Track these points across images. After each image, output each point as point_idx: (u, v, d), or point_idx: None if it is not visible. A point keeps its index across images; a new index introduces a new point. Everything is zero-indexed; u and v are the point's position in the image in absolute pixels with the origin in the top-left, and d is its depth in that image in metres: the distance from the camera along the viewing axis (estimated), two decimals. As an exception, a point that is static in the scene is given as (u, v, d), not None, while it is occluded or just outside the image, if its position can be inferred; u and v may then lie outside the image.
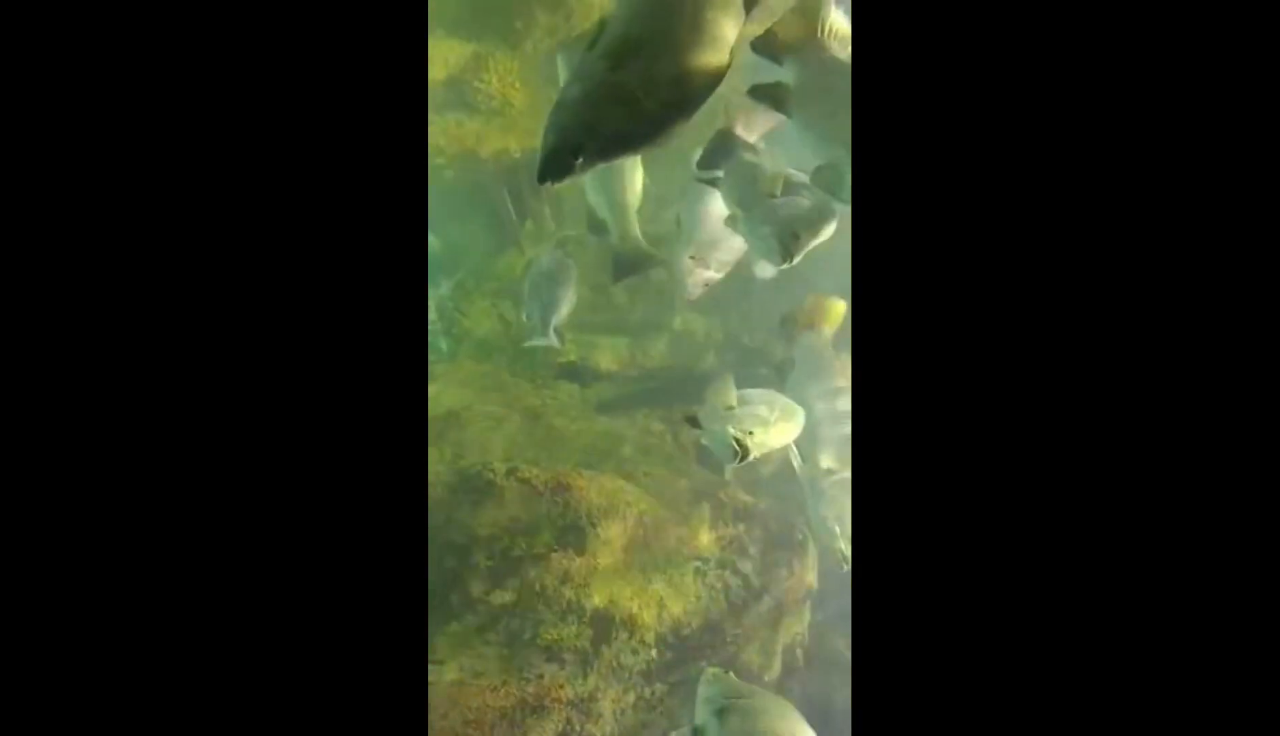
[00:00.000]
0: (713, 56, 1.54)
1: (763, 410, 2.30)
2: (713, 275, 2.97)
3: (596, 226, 2.82)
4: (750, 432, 2.22)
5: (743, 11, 1.61)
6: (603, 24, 1.62)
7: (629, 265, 2.88)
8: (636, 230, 2.81)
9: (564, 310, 2.80)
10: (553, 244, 3.21)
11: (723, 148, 2.31)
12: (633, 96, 1.48)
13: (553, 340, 2.78)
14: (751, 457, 2.24)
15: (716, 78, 1.56)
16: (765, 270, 3.00)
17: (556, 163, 1.44)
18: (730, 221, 2.31)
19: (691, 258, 2.92)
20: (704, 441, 2.48)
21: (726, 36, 1.58)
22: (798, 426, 2.46)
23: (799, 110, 1.98)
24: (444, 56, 3.91)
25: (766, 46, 2.01)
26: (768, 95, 1.98)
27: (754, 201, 2.07)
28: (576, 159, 1.45)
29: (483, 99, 3.97)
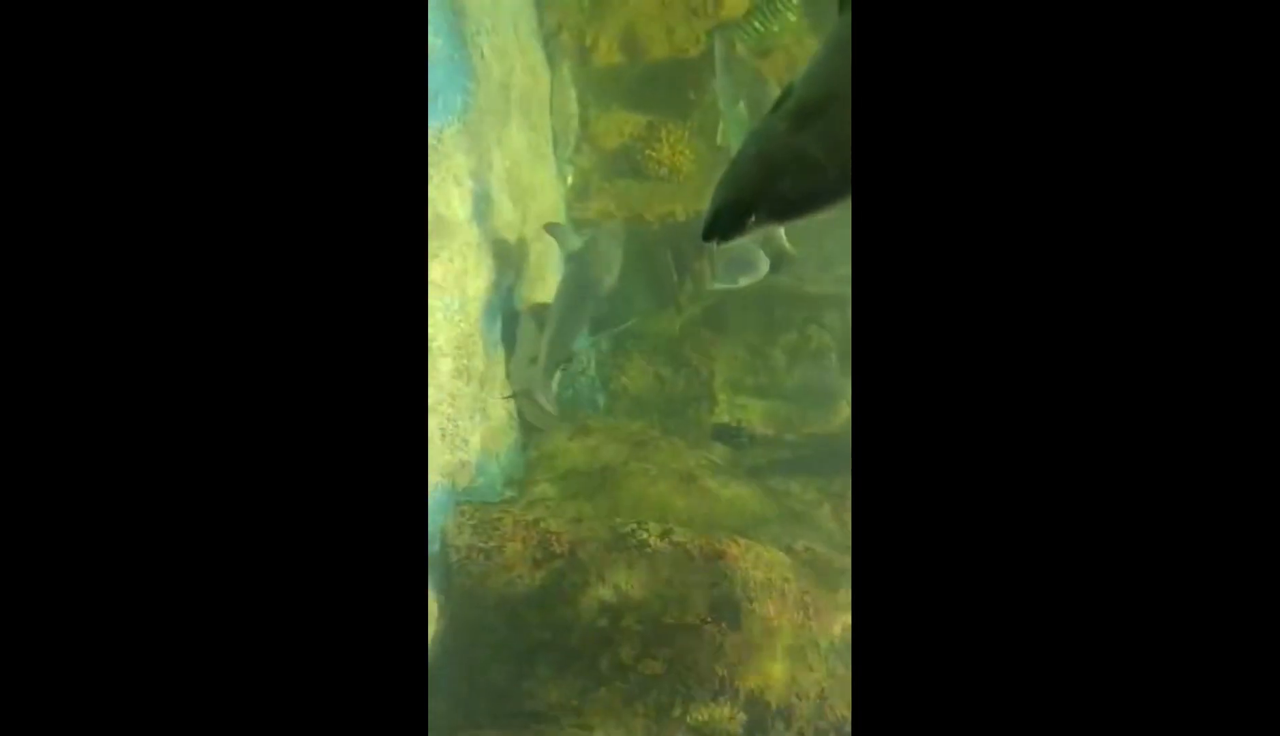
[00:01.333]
0: None
1: None
2: None
3: None
4: None
5: None
6: (790, 87, 1.60)
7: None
8: (781, 232, 2.82)
9: (750, 279, 3.27)
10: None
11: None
12: (814, 160, 1.44)
13: (736, 284, 3.33)
14: None
15: None
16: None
17: (727, 220, 1.40)
18: None
19: None
20: None
21: None
22: None
23: None
24: (619, 128, 4.13)
25: None
26: None
27: None
28: (748, 218, 1.40)
29: (653, 166, 4.12)
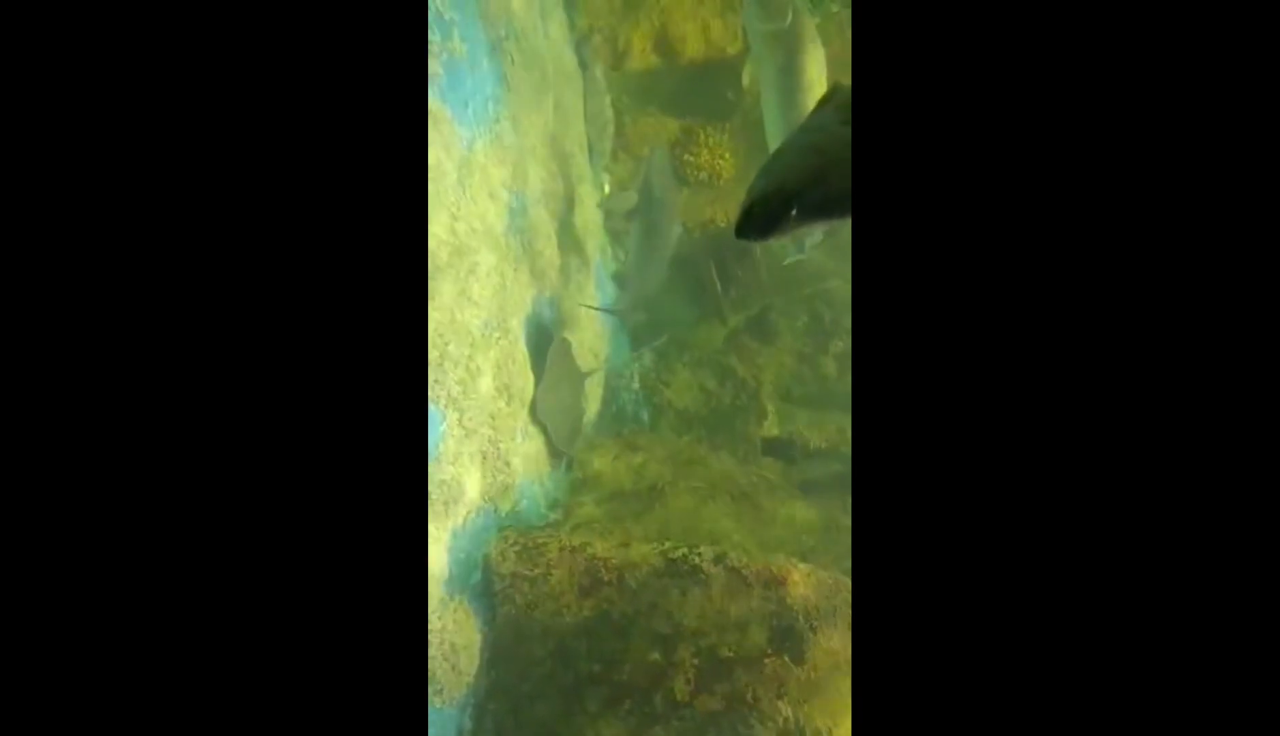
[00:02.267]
0: None
1: None
2: None
3: None
4: None
5: None
6: (837, 85, 1.50)
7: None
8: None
9: (816, 239, 3.16)
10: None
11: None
12: None
13: (804, 254, 3.29)
14: None
15: None
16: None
17: (765, 214, 1.25)
18: None
19: None
20: None
21: None
22: None
23: None
24: (656, 133, 4.00)
25: None
26: None
27: None
28: (790, 210, 1.25)
29: (692, 171, 3.99)
